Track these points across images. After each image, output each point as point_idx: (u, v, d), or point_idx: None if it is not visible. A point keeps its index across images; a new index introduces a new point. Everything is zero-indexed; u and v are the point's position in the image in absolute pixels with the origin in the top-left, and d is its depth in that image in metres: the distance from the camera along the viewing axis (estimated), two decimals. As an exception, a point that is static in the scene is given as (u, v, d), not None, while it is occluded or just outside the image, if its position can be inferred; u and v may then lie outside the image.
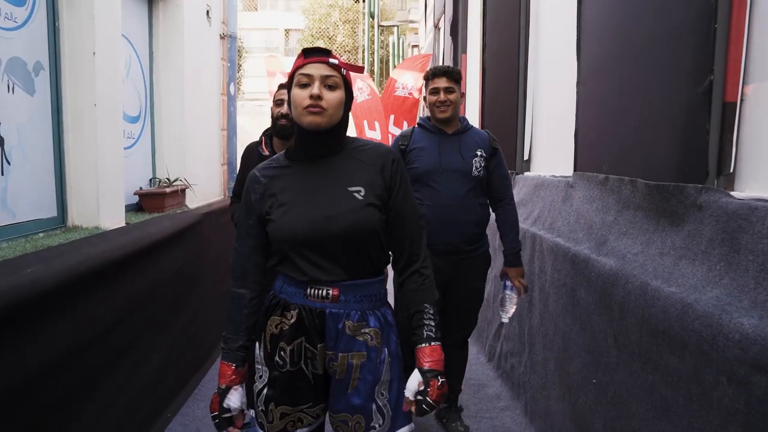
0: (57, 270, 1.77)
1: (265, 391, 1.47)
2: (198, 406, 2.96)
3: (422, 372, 1.40)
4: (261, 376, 1.49)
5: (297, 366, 1.44)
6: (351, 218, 1.38)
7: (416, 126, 2.61)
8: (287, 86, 1.46)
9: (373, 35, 14.45)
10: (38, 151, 2.78)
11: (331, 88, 1.39)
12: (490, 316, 3.72)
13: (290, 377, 1.45)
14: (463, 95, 2.63)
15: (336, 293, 1.41)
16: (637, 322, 1.75)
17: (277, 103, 2.59)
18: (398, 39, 13.92)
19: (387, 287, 1.57)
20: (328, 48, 1.48)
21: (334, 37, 17.83)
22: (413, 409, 1.40)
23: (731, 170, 1.63)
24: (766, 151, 1.55)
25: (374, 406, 1.44)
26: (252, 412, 1.54)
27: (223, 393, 1.45)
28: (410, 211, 1.49)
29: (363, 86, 7.13)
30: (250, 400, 1.52)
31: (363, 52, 15.67)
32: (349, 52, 17.90)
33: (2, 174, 2.51)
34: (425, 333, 1.44)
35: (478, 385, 3.35)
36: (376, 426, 1.44)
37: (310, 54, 1.42)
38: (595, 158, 2.44)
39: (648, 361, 1.69)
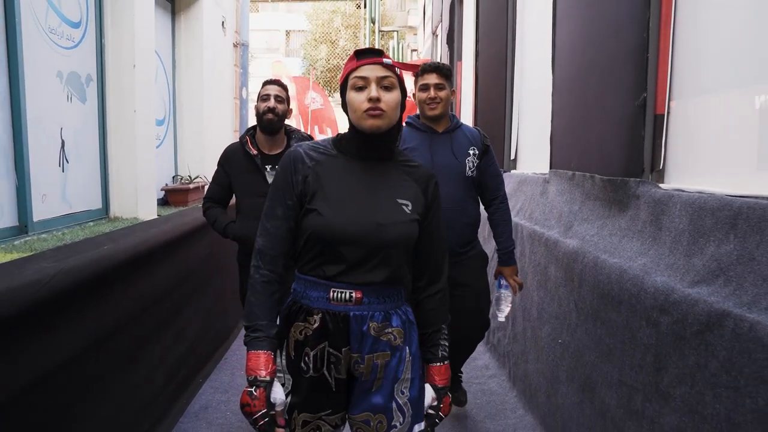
0: (125, 247, 2.21)
1: (288, 399, 1.43)
2: (225, 373, 3.40)
3: (436, 389, 1.47)
4: (284, 384, 1.44)
5: (319, 372, 1.41)
6: (400, 230, 1.38)
7: (405, 124, 2.48)
8: (341, 90, 1.43)
9: (374, 40, 14.96)
10: (88, 152, 3.22)
11: (388, 89, 1.36)
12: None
13: (312, 383, 1.42)
14: (454, 93, 2.51)
15: (359, 296, 1.38)
16: (591, 289, 2.20)
17: (263, 98, 2.56)
18: (398, 43, 14.41)
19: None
20: (377, 49, 1.44)
21: (336, 41, 18.36)
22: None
23: (661, 167, 2.08)
24: (685, 152, 2.00)
25: (395, 405, 1.43)
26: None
27: (268, 385, 1.33)
28: (440, 234, 1.51)
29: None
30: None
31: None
32: (351, 56, 18.43)
33: (63, 171, 2.95)
34: (440, 353, 1.48)
35: (470, 358, 3.79)
36: (397, 425, 1.43)
37: (364, 55, 1.39)
38: (566, 158, 2.88)
39: (597, 319, 2.13)
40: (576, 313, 2.35)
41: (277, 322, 1.43)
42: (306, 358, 1.41)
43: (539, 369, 2.80)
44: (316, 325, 1.39)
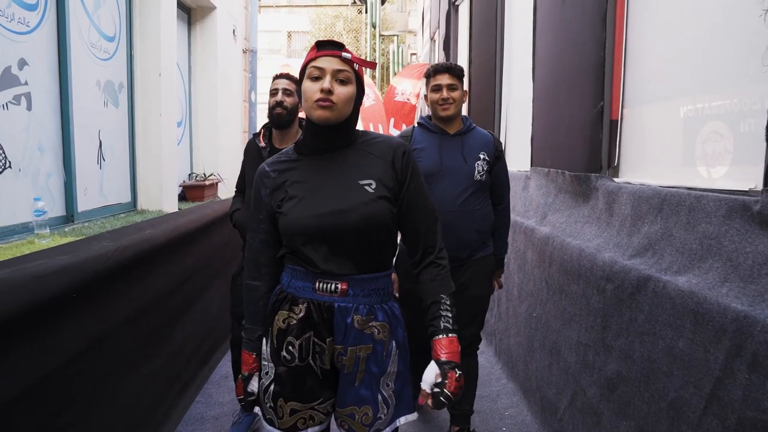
0: (164, 231, 2.61)
1: (272, 387, 1.46)
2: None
3: (439, 364, 1.37)
4: (267, 372, 1.48)
5: (305, 361, 1.43)
6: (362, 211, 1.37)
7: (416, 125, 2.50)
8: (299, 78, 1.44)
9: (375, 44, 15.39)
10: (119, 151, 3.62)
11: (343, 82, 1.37)
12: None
13: (297, 372, 1.44)
14: (466, 93, 2.48)
15: (345, 287, 1.39)
16: (558, 268, 2.59)
17: (272, 93, 2.54)
18: (398, 47, 14.83)
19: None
20: (338, 42, 1.43)
21: (338, 45, 18.76)
22: (429, 402, 1.36)
23: (616, 164, 2.47)
24: (635, 151, 2.39)
25: (380, 397, 1.44)
26: (257, 409, 1.56)
27: (246, 379, 1.52)
28: (423, 203, 1.47)
29: (369, 92, 8.03)
30: (258, 397, 1.54)
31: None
32: (352, 59, 18.91)
33: (100, 168, 3.34)
34: (442, 324, 1.40)
35: (461, 338, 4.18)
36: (381, 416, 1.45)
37: (324, 47, 1.39)
38: (543, 157, 3.27)
39: (562, 292, 2.53)
40: (546, 289, 2.74)
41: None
42: (290, 348, 1.43)
43: (519, 342, 3.19)
44: (301, 314, 1.42)
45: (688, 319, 1.56)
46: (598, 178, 2.47)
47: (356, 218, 1.37)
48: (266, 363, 1.49)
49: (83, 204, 3.13)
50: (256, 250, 1.50)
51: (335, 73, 1.36)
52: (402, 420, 1.48)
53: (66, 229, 2.85)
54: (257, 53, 6.63)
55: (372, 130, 9.36)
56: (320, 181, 1.41)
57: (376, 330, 1.43)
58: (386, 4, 16.66)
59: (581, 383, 2.28)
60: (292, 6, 19.25)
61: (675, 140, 2.07)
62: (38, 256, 1.86)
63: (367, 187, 1.39)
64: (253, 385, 1.52)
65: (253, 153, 2.61)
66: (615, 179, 2.41)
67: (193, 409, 2.95)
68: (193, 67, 5.19)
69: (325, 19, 18.88)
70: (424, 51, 10.42)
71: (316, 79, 1.37)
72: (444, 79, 2.37)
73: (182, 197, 4.82)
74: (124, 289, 2.19)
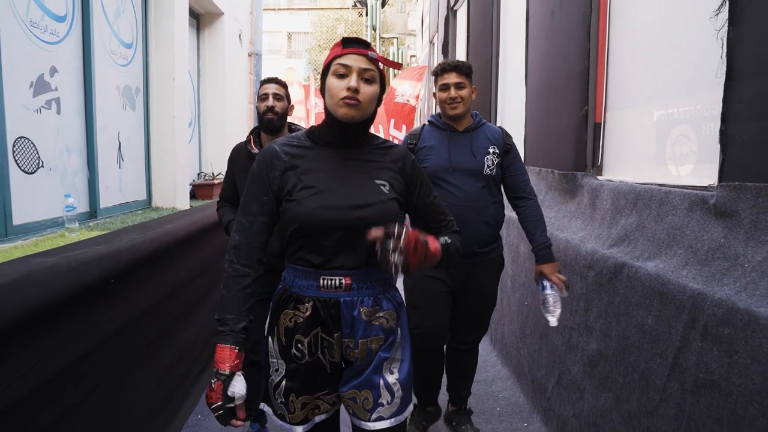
0: (184, 225, 2.83)
1: (283, 383, 1.46)
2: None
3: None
4: (277, 369, 1.47)
5: (315, 356, 1.44)
6: (379, 208, 1.39)
7: (426, 123, 2.49)
8: (322, 74, 1.44)
9: (375, 46, 15.64)
10: (136, 151, 3.83)
11: (368, 81, 1.37)
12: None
13: (308, 367, 1.44)
14: (475, 90, 2.45)
15: (348, 282, 1.40)
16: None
17: (261, 97, 2.50)
18: (398, 49, 15.08)
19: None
20: (365, 40, 1.42)
21: (339, 47, 19.08)
22: (378, 241, 1.30)
23: (599, 163, 2.69)
24: (616, 151, 2.61)
25: (382, 382, 1.44)
26: (264, 406, 1.54)
27: (227, 379, 1.32)
28: (436, 201, 1.53)
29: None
30: (267, 394, 1.52)
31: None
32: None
33: (119, 168, 3.56)
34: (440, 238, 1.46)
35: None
36: (384, 403, 1.44)
37: (350, 44, 1.39)
38: (536, 156, 3.49)
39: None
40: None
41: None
42: (299, 345, 1.43)
43: (512, 329, 3.42)
44: (308, 313, 1.42)
45: (655, 299, 1.78)
46: (583, 176, 2.69)
47: (373, 214, 1.37)
48: (275, 360, 1.48)
49: (105, 201, 3.35)
50: (253, 234, 1.42)
51: (361, 72, 1.36)
52: (406, 413, 1.49)
53: (90, 224, 3.06)
54: (261, 57, 6.84)
55: (372, 131, 9.65)
56: (336, 174, 1.41)
57: (384, 320, 1.44)
58: (386, 6, 16.94)
59: (566, 363, 2.50)
60: (293, 9, 19.51)
61: (649, 141, 2.29)
62: (78, 246, 2.08)
63: (382, 187, 1.42)
64: (236, 387, 1.32)
65: (244, 160, 2.53)
66: (598, 177, 2.63)
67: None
68: (201, 70, 5.41)
69: (327, 22, 19.16)
70: (424, 53, 10.65)
71: (342, 76, 1.37)
72: (452, 78, 2.35)
73: (192, 195, 5.04)
74: (150, 276, 2.41)
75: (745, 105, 1.57)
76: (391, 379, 1.45)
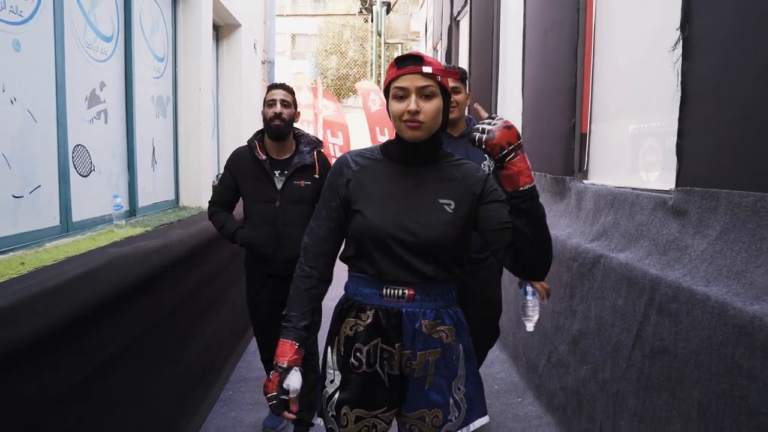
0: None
1: (336, 395, 1.45)
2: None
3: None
4: (332, 381, 1.47)
5: (372, 368, 1.42)
6: (440, 229, 1.38)
7: None
8: (384, 93, 1.43)
9: (380, 51, 16.03)
10: (166, 155, 4.20)
11: (428, 97, 1.35)
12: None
13: (365, 379, 1.43)
14: (469, 95, 2.48)
15: (412, 293, 1.40)
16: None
17: (269, 104, 2.48)
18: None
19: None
20: (417, 54, 1.38)
21: (345, 52, 19.56)
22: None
23: (585, 168, 3.05)
24: (600, 159, 2.97)
25: (452, 401, 1.44)
26: (320, 421, 1.52)
27: (284, 372, 1.39)
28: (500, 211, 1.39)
29: (375, 98, 8.64)
30: (319, 407, 1.51)
31: (371, 65, 17.35)
32: (359, 65, 19.72)
33: (153, 170, 3.93)
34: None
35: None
36: (452, 419, 1.44)
37: (404, 63, 1.37)
38: (531, 161, 3.84)
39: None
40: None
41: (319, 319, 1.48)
42: (358, 354, 1.42)
43: (509, 318, 3.78)
44: (369, 321, 1.42)
45: (624, 283, 2.14)
46: (571, 180, 3.05)
47: (433, 235, 1.37)
48: (332, 371, 1.48)
49: (142, 201, 3.71)
50: (321, 239, 1.47)
51: (419, 90, 1.34)
52: (477, 424, 1.49)
53: (131, 221, 3.43)
54: (274, 64, 7.21)
55: (378, 132, 10.00)
56: (402, 190, 1.42)
57: (444, 334, 1.43)
58: (391, 13, 17.34)
59: (555, 343, 2.87)
60: (298, 15, 19.93)
61: (625, 151, 2.65)
62: (138, 239, 2.45)
63: (446, 207, 1.40)
64: (292, 380, 1.39)
65: (249, 166, 2.52)
66: (584, 181, 2.99)
67: (236, 373, 3.54)
68: (220, 79, 5.78)
69: (334, 28, 19.60)
70: (427, 58, 11.02)
71: (401, 98, 1.36)
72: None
73: (212, 195, 5.41)
74: (193, 265, 2.78)
75: (695, 125, 1.93)
76: (459, 395, 1.46)
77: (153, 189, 3.94)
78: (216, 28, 5.58)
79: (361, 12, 18.86)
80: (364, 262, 1.43)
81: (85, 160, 2.99)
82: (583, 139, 3.04)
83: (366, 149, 1.52)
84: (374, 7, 15.58)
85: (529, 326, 2.20)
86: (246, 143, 2.62)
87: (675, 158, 2.04)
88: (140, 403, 2.22)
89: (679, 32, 2.01)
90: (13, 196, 2.35)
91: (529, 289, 2.22)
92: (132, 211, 3.61)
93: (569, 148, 3.10)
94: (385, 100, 1.46)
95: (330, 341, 1.51)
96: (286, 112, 2.45)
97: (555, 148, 3.32)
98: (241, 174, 2.54)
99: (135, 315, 2.15)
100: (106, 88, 3.23)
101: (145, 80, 3.76)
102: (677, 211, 1.98)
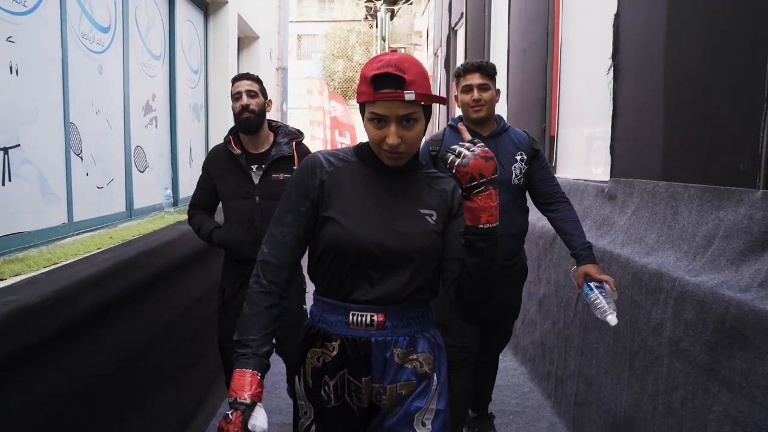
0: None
1: (313, 428, 1.35)
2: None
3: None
4: (306, 412, 1.36)
5: (341, 400, 1.31)
6: (423, 240, 1.27)
7: (447, 128, 2.35)
8: (360, 111, 1.28)
9: (385, 55, 16.72)
10: (199, 155, 4.86)
11: (410, 122, 1.20)
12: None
13: (336, 412, 1.32)
14: (499, 92, 2.32)
15: (381, 319, 1.27)
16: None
17: (234, 97, 2.34)
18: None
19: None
20: (397, 74, 1.17)
21: (351, 56, 20.26)
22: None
23: (554, 164, 3.68)
24: (565, 157, 3.60)
25: None
26: None
27: (247, 410, 1.15)
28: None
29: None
30: None
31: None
32: (364, 68, 20.60)
33: (190, 167, 4.59)
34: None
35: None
36: None
37: (381, 85, 1.17)
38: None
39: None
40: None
41: (273, 342, 1.30)
42: (326, 387, 1.31)
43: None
44: (335, 352, 1.29)
45: (573, 253, 2.78)
46: (542, 174, 3.69)
47: (417, 246, 1.26)
48: (302, 403, 1.36)
49: (182, 193, 4.37)
50: (286, 249, 1.29)
51: (399, 120, 1.19)
52: None
53: (174, 210, 4.09)
54: (287, 71, 7.86)
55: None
56: (381, 199, 1.29)
57: (418, 363, 1.31)
58: (395, 18, 18.03)
59: (527, 307, 3.50)
60: (303, 21, 20.64)
61: (582, 150, 3.29)
62: (184, 224, 3.09)
63: (428, 218, 1.29)
64: (257, 420, 1.16)
65: (224, 161, 2.38)
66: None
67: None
68: (240, 86, 6.44)
69: (340, 33, 20.33)
70: (428, 65, 11.66)
71: (379, 123, 1.21)
72: (475, 79, 2.20)
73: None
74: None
75: (621, 131, 2.56)
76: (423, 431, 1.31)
77: (190, 183, 4.60)
78: (238, 40, 6.24)
79: (366, 18, 19.56)
80: (332, 280, 1.29)
81: (142, 159, 3.65)
82: (552, 140, 3.68)
83: (338, 150, 1.39)
84: (378, 14, 16.26)
85: (613, 319, 1.95)
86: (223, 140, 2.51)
87: (610, 156, 2.67)
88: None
89: (611, 60, 2.64)
90: (97, 187, 3.00)
91: (593, 284, 2.06)
92: (175, 201, 4.27)
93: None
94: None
95: (297, 371, 1.37)
96: (253, 103, 2.31)
97: (531, 148, 3.95)
98: (217, 172, 2.40)
99: (185, 286, 2.80)
100: (156, 98, 3.88)
101: (184, 91, 4.42)
102: (610, 197, 2.61)
